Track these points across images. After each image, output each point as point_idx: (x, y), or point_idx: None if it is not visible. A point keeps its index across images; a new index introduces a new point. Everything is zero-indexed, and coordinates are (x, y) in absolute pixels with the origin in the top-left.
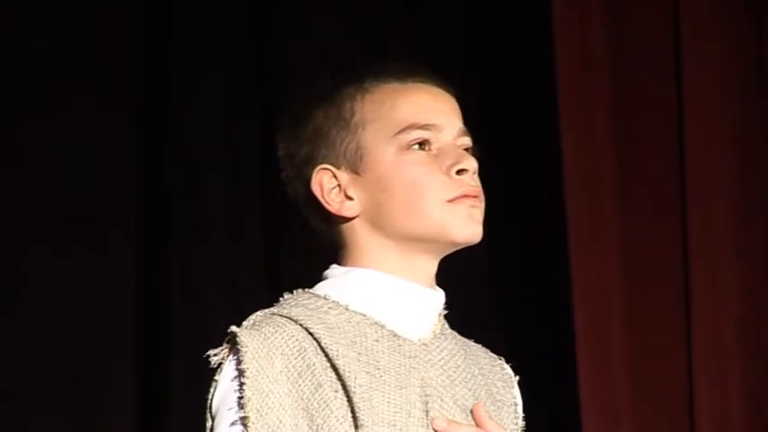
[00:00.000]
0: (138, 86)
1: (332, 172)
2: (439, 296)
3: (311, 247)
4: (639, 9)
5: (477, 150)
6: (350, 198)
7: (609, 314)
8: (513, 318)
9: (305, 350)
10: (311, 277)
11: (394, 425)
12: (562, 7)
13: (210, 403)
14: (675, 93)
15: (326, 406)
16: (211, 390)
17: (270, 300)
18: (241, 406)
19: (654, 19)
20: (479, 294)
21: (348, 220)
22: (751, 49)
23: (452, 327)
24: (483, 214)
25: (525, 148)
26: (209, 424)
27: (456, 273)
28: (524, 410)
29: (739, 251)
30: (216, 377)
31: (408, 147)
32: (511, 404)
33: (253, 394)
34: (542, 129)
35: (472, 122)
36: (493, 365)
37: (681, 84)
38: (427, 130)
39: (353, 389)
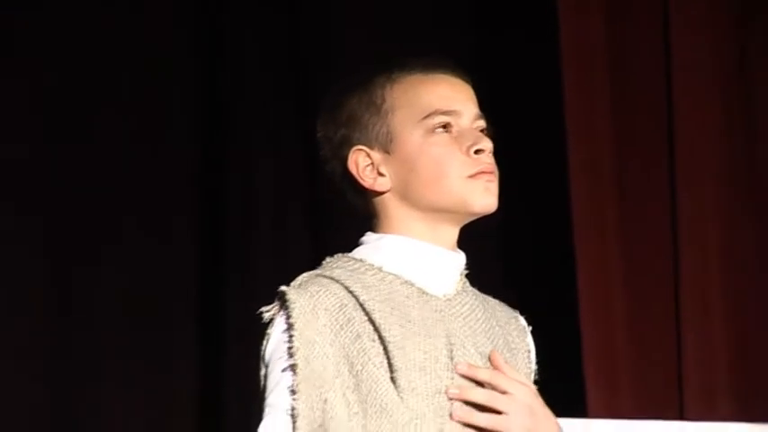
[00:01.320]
0: (200, 88)
1: (365, 152)
2: (460, 258)
3: (348, 219)
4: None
5: (492, 132)
6: (382, 175)
7: (609, 280)
8: (522, 280)
9: (345, 306)
10: (348, 244)
11: (423, 369)
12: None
13: (263, 353)
14: (665, 83)
15: (365, 354)
16: (264, 342)
17: (313, 264)
18: (290, 354)
19: (647, 16)
20: (492, 259)
21: (380, 193)
22: (735, 36)
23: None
24: (498, 188)
25: (533, 133)
26: (262, 371)
27: (471, 239)
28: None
29: (724, 229)
30: (268, 330)
31: (432, 130)
32: (525, 351)
33: (300, 344)
34: (548, 114)
35: (487, 109)
36: (509, 318)
37: (670, 74)
38: (448, 115)
39: (388, 339)
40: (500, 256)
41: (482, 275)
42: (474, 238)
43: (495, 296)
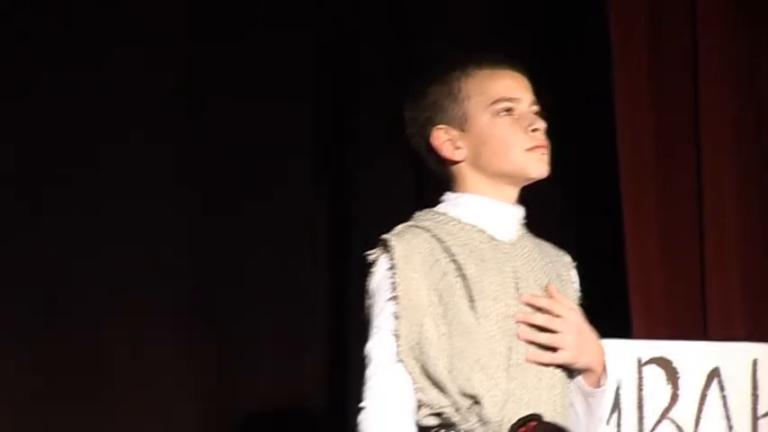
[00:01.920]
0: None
1: (445, 130)
2: (520, 211)
3: (434, 184)
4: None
5: (545, 114)
6: (458, 148)
7: (648, 228)
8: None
9: (434, 249)
10: (433, 202)
11: (495, 299)
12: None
13: (369, 287)
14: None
15: (450, 287)
16: (369, 278)
17: (408, 217)
18: (393, 288)
19: (676, 16)
20: (551, 212)
21: (456, 162)
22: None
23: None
24: (548, 158)
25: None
26: (369, 302)
27: (532, 197)
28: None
29: (742, 182)
30: (372, 269)
31: (499, 113)
32: (570, 282)
33: (401, 280)
34: (598, 91)
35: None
36: (558, 256)
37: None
38: (511, 101)
39: (468, 275)
40: (558, 209)
41: (547, 222)
42: (535, 193)
43: (556, 238)
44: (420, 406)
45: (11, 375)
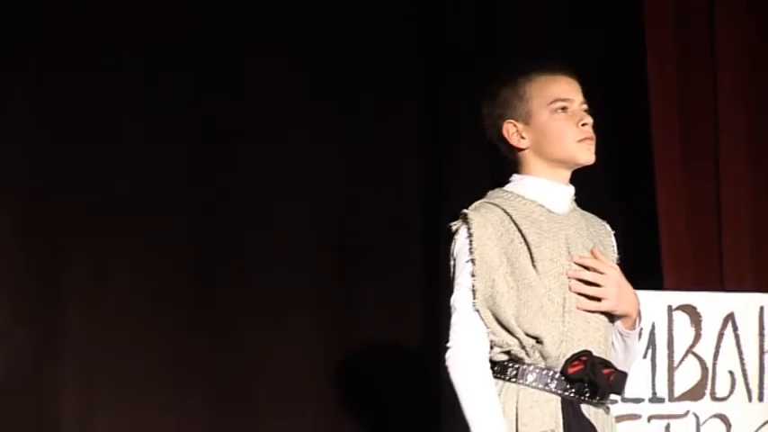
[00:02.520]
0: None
1: (513, 123)
2: (571, 189)
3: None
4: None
5: (592, 111)
6: (523, 138)
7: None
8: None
9: (503, 221)
10: (502, 182)
11: (552, 259)
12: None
13: (452, 251)
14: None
15: (516, 251)
16: (452, 244)
17: (483, 195)
18: (471, 252)
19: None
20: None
21: (522, 150)
22: None
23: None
24: (595, 148)
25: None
26: (452, 263)
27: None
28: (618, 252)
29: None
30: (455, 237)
31: (556, 111)
32: (610, 247)
33: (477, 246)
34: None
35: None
36: (601, 225)
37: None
38: (565, 101)
39: (530, 241)
40: (603, 187)
41: (593, 195)
42: (584, 175)
43: (600, 211)
44: (492, 346)
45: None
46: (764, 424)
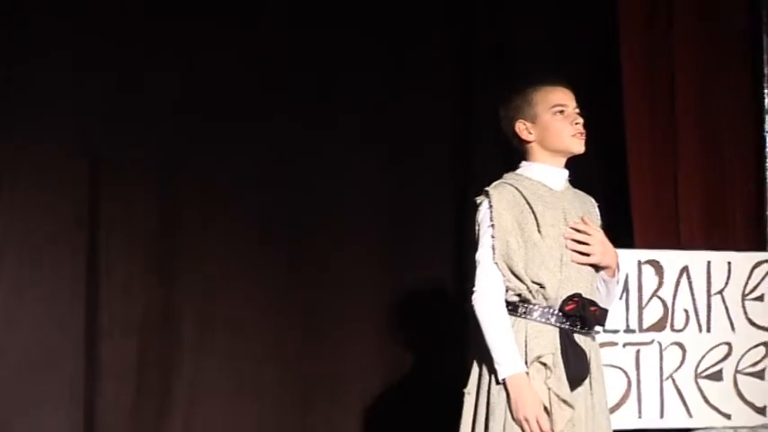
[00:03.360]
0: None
1: (523, 122)
2: (566, 172)
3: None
4: None
5: (584, 113)
6: (530, 134)
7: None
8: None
9: (515, 196)
10: (514, 167)
11: (552, 225)
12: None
13: (477, 219)
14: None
15: (525, 218)
16: (477, 213)
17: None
18: (491, 220)
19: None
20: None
21: (529, 142)
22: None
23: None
24: (584, 141)
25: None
26: (476, 228)
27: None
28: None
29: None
30: (479, 208)
31: (555, 113)
32: (596, 215)
33: (496, 215)
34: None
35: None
36: (588, 199)
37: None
38: (562, 106)
39: (536, 211)
40: (593, 171)
41: (583, 177)
42: (576, 162)
43: (588, 186)
44: (507, 290)
45: None
46: (711, 349)
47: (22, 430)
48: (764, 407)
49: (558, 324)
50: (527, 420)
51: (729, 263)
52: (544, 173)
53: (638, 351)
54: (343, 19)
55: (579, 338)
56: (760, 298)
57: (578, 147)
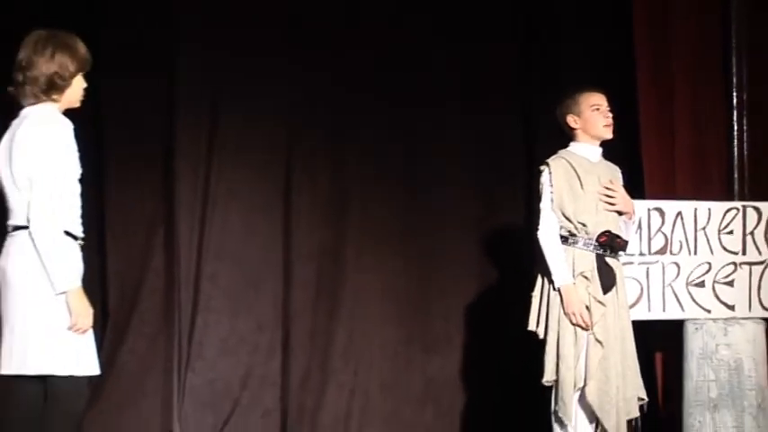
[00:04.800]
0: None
1: (572, 116)
2: (600, 149)
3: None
4: None
5: (614, 110)
6: (576, 124)
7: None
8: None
9: (566, 165)
10: (565, 146)
11: (591, 185)
12: None
13: (541, 181)
14: None
15: (572, 180)
16: (541, 177)
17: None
18: (550, 181)
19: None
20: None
21: (575, 129)
22: None
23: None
24: (612, 129)
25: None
26: (540, 187)
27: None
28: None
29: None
30: (542, 174)
31: (593, 111)
32: (619, 178)
33: (554, 180)
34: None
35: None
36: (615, 167)
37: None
38: (598, 106)
39: (580, 175)
40: (618, 150)
41: (612, 152)
42: (606, 144)
43: (614, 159)
44: (561, 227)
45: None
46: (697, 266)
47: (233, 327)
48: (733, 305)
49: (594, 250)
50: (574, 314)
51: (709, 209)
52: (585, 150)
53: (647, 268)
54: (445, 31)
55: (609, 260)
56: (730, 232)
57: (608, 134)
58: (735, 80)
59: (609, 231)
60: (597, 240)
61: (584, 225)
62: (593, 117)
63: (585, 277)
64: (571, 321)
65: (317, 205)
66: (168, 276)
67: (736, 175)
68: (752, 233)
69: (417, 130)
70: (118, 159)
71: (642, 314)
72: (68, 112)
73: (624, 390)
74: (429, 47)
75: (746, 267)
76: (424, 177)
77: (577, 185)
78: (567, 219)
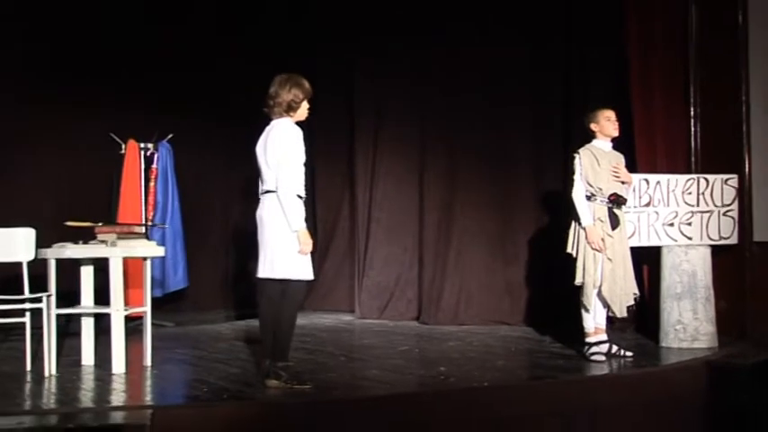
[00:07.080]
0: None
1: (594, 123)
2: (611, 143)
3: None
4: None
5: (618, 116)
6: (596, 127)
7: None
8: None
9: (591, 155)
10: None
11: (605, 165)
12: None
13: (573, 164)
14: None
15: (593, 163)
16: (573, 161)
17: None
18: (581, 165)
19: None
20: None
21: (595, 132)
22: None
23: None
24: (619, 130)
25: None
26: (572, 168)
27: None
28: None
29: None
30: (575, 158)
31: (607, 120)
32: (623, 163)
33: (583, 163)
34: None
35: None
36: (620, 154)
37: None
38: (610, 116)
39: (599, 161)
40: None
41: (617, 145)
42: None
43: (619, 148)
44: (586, 190)
45: None
46: (668, 214)
47: (390, 250)
48: (691, 237)
49: (606, 204)
50: (594, 242)
51: (677, 179)
52: (601, 144)
53: (639, 215)
54: (505, 42)
55: (615, 210)
56: (690, 193)
57: (616, 134)
58: (692, 100)
59: (616, 193)
60: (608, 198)
61: (600, 189)
62: (606, 124)
63: (601, 220)
64: (592, 247)
65: (439, 176)
66: (352, 220)
67: (692, 159)
68: (703, 193)
69: (504, 129)
70: (322, 151)
71: (635, 242)
72: (299, 123)
73: (625, 288)
74: (509, 55)
75: (699, 214)
76: (503, 160)
77: (597, 165)
78: (590, 185)
